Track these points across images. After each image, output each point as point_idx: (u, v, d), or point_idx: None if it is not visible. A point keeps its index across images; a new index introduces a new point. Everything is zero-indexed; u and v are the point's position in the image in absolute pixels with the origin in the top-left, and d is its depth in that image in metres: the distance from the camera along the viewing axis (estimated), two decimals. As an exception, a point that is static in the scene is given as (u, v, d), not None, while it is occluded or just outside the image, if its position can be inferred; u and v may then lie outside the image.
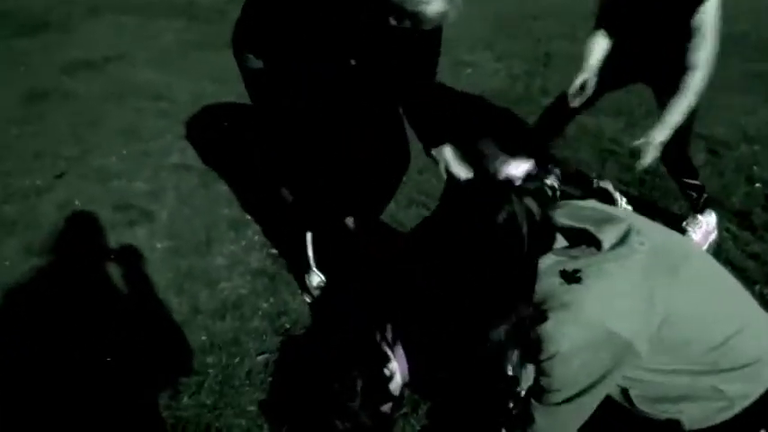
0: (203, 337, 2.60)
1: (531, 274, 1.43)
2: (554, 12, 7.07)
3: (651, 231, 1.54)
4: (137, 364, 2.47)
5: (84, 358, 2.49)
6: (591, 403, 1.49)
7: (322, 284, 2.81)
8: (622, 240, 1.47)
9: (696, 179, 3.05)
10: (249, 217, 3.41)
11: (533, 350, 1.45)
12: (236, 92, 4.92)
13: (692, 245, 1.72)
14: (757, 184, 3.58)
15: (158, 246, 3.18)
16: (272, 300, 2.79)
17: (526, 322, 1.43)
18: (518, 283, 1.42)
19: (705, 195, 3.08)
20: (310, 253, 2.84)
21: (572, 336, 1.40)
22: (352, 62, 2.32)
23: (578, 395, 1.46)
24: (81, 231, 3.29)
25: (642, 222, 1.57)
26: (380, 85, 2.47)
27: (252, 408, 2.28)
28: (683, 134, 2.78)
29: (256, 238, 3.25)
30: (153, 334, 2.63)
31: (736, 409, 1.54)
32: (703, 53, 2.62)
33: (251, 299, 2.81)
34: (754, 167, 3.66)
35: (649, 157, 2.69)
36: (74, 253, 3.11)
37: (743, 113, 4.38)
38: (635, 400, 1.55)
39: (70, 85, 5.24)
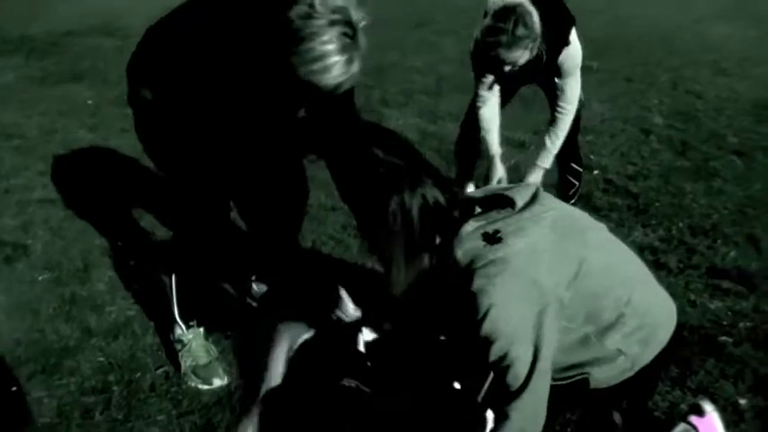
0: (100, 358, 2.59)
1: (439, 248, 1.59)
2: (381, 24, 7.37)
3: (556, 200, 1.75)
4: (39, 391, 2.43)
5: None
6: (546, 365, 1.57)
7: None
8: (533, 199, 1.63)
9: (581, 166, 3.38)
10: (121, 244, 3.39)
11: (471, 313, 1.53)
12: (86, 124, 4.89)
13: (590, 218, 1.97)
14: (596, 171, 4.04)
15: (39, 278, 3.10)
16: (159, 317, 2.79)
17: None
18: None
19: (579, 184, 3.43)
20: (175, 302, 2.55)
21: (502, 286, 1.50)
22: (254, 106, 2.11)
23: (535, 354, 1.54)
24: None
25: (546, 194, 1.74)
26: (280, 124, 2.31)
27: (161, 417, 2.31)
28: (569, 138, 3.16)
29: (132, 263, 3.23)
30: (49, 360, 2.58)
31: (636, 369, 1.71)
32: (572, 89, 3.00)
33: (139, 318, 2.81)
34: (591, 156, 4.06)
35: (536, 177, 3.05)
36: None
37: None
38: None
39: None
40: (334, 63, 1.79)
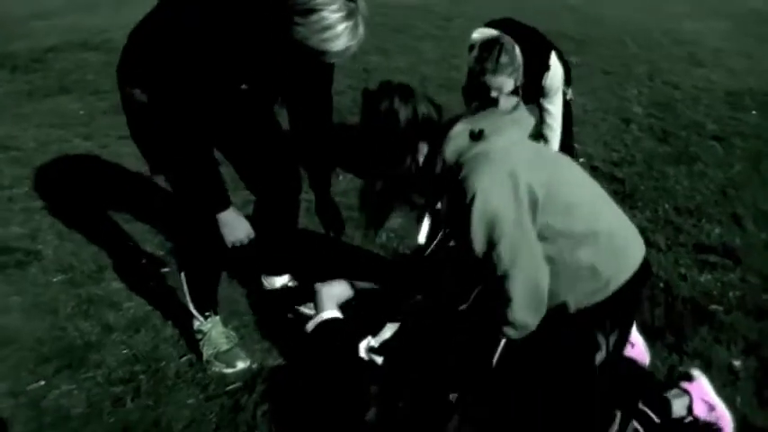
0: (124, 351, 2.69)
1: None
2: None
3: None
4: (68, 385, 2.53)
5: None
6: (528, 232, 1.77)
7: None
8: (515, 107, 1.88)
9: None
10: (131, 244, 3.49)
11: (459, 199, 1.75)
12: (81, 134, 4.97)
13: None
14: (581, 159, 4.24)
15: (53, 279, 3.19)
16: (177, 310, 2.88)
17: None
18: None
19: None
20: (188, 296, 2.63)
21: (485, 174, 1.72)
22: (243, 87, 2.22)
23: (517, 225, 1.74)
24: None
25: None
26: (270, 109, 2.51)
27: (191, 401, 2.42)
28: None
29: (144, 261, 3.34)
30: (74, 355, 2.67)
31: (611, 290, 1.89)
32: (557, 107, 3.32)
33: (158, 312, 2.91)
34: (576, 145, 4.22)
35: None
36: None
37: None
38: None
39: None
40: (343, 30, 1.92)
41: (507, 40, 2.92)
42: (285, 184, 2.71)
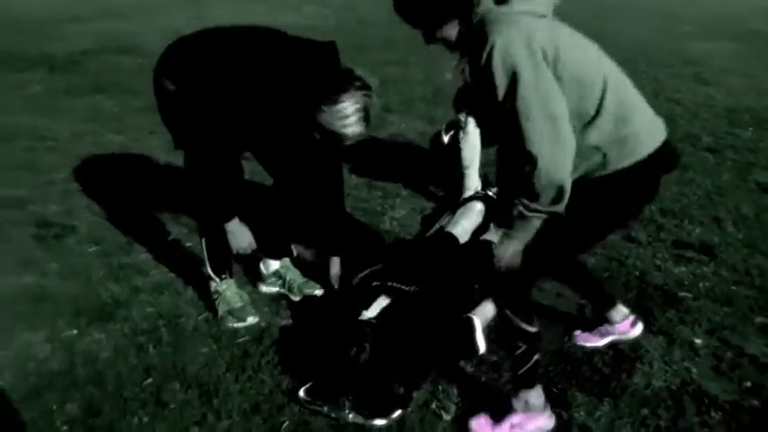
0: (149, 309, 3.04)
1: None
2: (384, 44, 7.92)
3: None
4: (98, 334, 2.88)
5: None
6: (551, 80, 1.88)
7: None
8: None
9: None
10: (159, 221, 3.86)
11: (479, 52, 1.90)
12: (114, 128, 5.37)
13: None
14: None
15: (88, 250, 3.55)
16: (197, 278, 3.21)
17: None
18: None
19: None
20: (207, 261, 2.97)
21: (504, 32, 1.89)
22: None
23: (536, 74, 1.86)
24: (12, 245, 3.59)
25: None
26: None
27: (205, 349, 2.76)
28: None
29: (170, 238, 3.70)
30: (104, 311, 3.02)
31: (610, 170, 2.02)
32: None
33: (180, 279, 3.25)
34: None
35: None
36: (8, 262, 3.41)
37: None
38: None
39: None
40: (360, 119, 2.36)
41: None
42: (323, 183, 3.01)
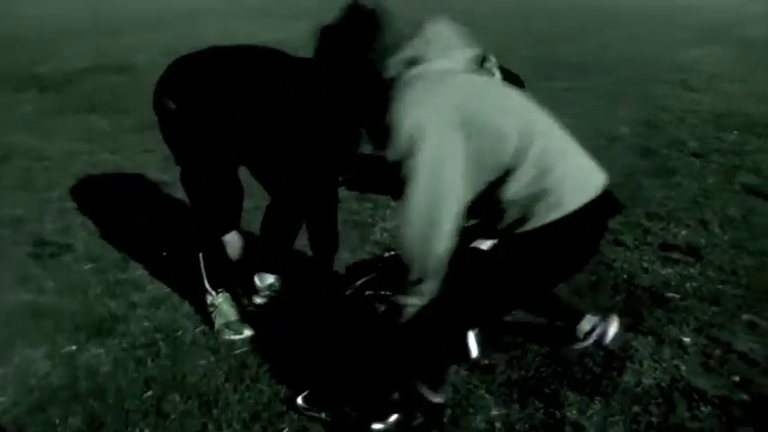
0: (146, 323, 3.09)
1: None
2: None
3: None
4: (97, 349, 2.93)
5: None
6: (450, 175, 1.81)
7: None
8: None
9: None
10: (155, 238, 3.90)
11: (383, 114, 1.85)
12: (108, 148, 5.44)
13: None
14: None
15: (84, 267, 3.61)
16: (193, 292, 3.24)
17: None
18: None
19: None
20: (204, 275, 3.05)
21: (409, 93, 1.86)
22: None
23: (432, 174, 1.80)
24: (9, 263, 3.64)
25: None
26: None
27: (203, 362, 2.81)
28: None
29: (165, 254, 3.76)
30: (102, 326, 3.07)
31: (529, 227, 1.91)
32: None
33: (177, 293, 3.30)
34: None
35: None
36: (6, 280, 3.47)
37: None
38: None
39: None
40: None
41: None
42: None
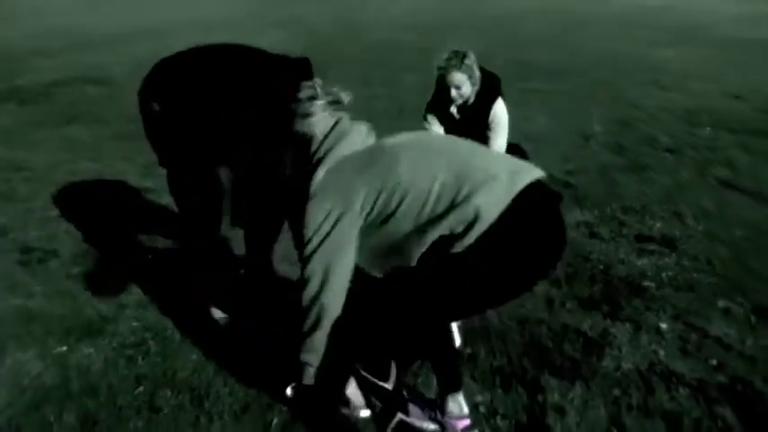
0: (135, 323, 3.14)
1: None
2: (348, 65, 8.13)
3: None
4: (88, 349, 2.98)
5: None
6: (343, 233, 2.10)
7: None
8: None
9: None
10: (138, 243, 3.97)
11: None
12: (88, 157, 5.46)
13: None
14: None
15: (72, 271, 3.66)
16: (181, 291, 3.33)
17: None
18: None
19: None
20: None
21: (314, 199, 2.16)
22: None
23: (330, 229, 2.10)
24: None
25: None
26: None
27: (193, 356, 2.88)
28: None
29: (150, 256, 3.81)
30: (92, 327, 3.12)
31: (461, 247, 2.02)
32: (501, 140, 3.60)
33: (165, 293, 3.36)
34: (534, 160, 4.71)
35: None
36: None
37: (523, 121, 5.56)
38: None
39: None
40: None
41: (469, 53, 3.44)
42: None
